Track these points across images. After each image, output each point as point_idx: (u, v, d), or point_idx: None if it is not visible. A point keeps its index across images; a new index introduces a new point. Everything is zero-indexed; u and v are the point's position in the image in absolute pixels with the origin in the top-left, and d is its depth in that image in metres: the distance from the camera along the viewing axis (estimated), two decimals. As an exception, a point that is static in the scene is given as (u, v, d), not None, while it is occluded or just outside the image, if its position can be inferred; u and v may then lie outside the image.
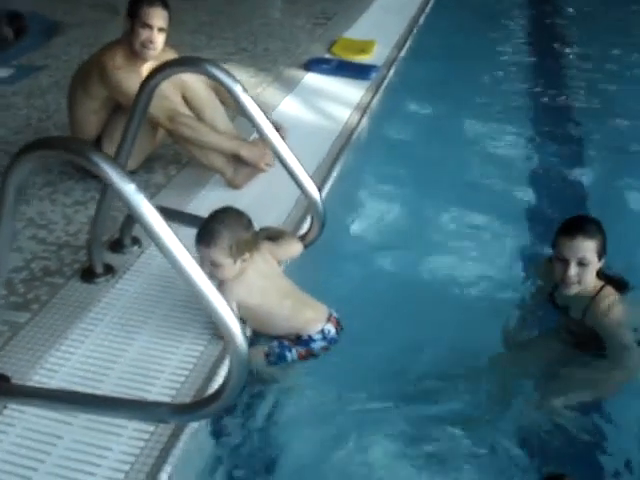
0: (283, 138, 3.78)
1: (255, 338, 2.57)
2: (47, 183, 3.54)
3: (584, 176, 4.25)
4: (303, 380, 2.59)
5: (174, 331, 2.54)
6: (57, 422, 2.13)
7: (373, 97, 4.79)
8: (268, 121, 2.47)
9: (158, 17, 3.31)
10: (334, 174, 3.73)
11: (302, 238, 2.70)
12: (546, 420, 2.42)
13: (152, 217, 1.70)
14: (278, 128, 3.83)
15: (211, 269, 2.38)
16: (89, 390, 2.22)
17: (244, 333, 1.82)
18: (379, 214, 3.84)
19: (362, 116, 4.49)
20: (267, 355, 2.54)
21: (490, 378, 2.61)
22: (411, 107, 5.11)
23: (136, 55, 3.34)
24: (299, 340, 2.55)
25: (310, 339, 2.55)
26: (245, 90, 2.45)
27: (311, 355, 2.56)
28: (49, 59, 5.43)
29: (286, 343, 2.55)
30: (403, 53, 5.72)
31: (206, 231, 2.40)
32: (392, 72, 5.29)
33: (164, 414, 1.98)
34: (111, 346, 2.46)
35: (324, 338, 2.56)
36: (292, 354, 2.53)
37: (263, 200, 3.39)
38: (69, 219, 3.24)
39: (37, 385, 2.25)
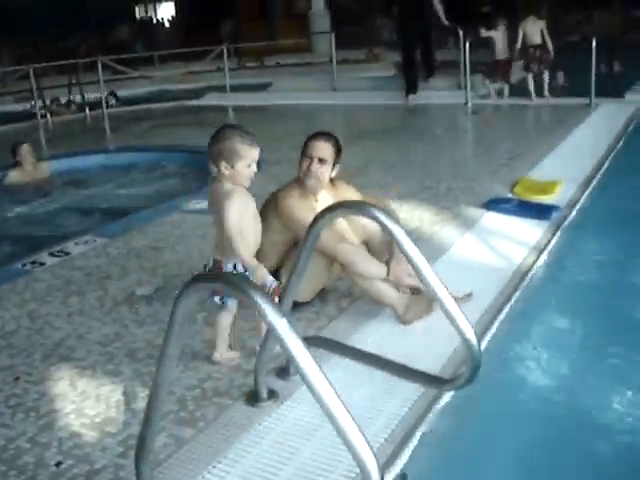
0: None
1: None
2: (230, 309, 3.83)
3: None
4: None
5: (325, 460, 2.59)
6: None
7: (552, 238, 4.75)
8: (428, 265, 2.55)
9: (317, 149, 3.61)
10: (503, 315, 3.71)
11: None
12: None
13: (298, 351, 1.83)
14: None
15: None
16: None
17: (380, 470, 1.86)
18: (549, 362, 3.68)
19: (538, 257, 4.46)
20: None
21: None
22: (593, 249, 4.95)
23: (305, 188, 3.62)
24: None
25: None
26: (407, 235, 2.55)
27: None
28: (248, 194, 5.93)
29: None
30: (587, 193, 5.64)
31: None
32: (574, 212, 5.23)
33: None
34: (265, 469, 2.57)
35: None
36: None
37: (428, 338, 3.44)
38: (244, 343, 3.47)
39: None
